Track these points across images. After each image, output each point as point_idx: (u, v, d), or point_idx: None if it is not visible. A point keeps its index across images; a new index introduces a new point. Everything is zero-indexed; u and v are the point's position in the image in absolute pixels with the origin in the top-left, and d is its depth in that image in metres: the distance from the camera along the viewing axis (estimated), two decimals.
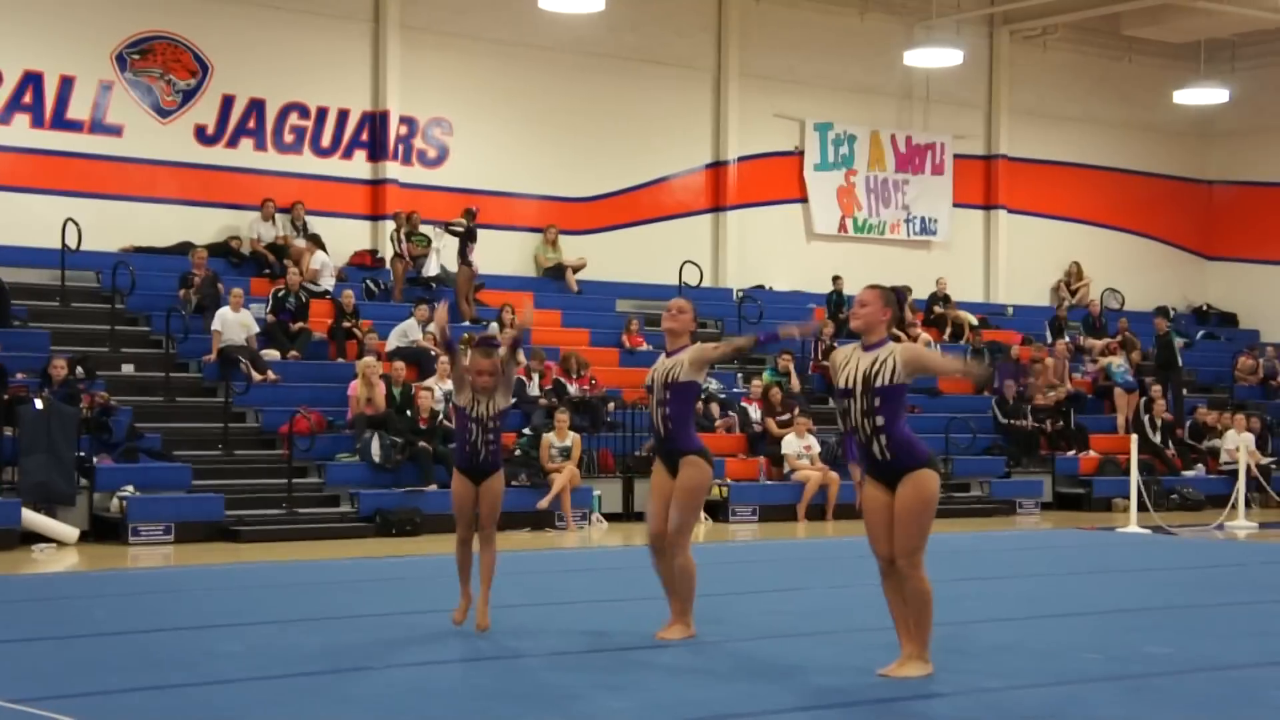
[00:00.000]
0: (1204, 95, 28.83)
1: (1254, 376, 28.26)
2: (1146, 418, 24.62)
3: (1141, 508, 19.77)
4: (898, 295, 8.23)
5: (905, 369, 7.83)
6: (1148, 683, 8.20)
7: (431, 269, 22.79)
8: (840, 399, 8.03)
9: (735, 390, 22.74)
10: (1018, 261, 29.53)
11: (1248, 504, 21.24)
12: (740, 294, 25.36)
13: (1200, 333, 30.75)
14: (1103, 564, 15.14)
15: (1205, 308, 31.56)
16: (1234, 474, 21.60)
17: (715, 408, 21.63)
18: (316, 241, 22.07)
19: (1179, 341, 26.46)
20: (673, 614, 9.28)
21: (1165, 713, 7.33)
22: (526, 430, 19.72)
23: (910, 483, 7.81)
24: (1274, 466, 24.45)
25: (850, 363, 7.92)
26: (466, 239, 22.20)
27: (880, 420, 7.78)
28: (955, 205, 28.95)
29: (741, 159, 26.58)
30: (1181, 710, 7.41)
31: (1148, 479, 21.36)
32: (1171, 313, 30.56)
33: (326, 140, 23.06)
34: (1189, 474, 24.39)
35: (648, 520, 9.34)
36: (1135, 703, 7.61)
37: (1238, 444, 22.75)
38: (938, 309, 27.28)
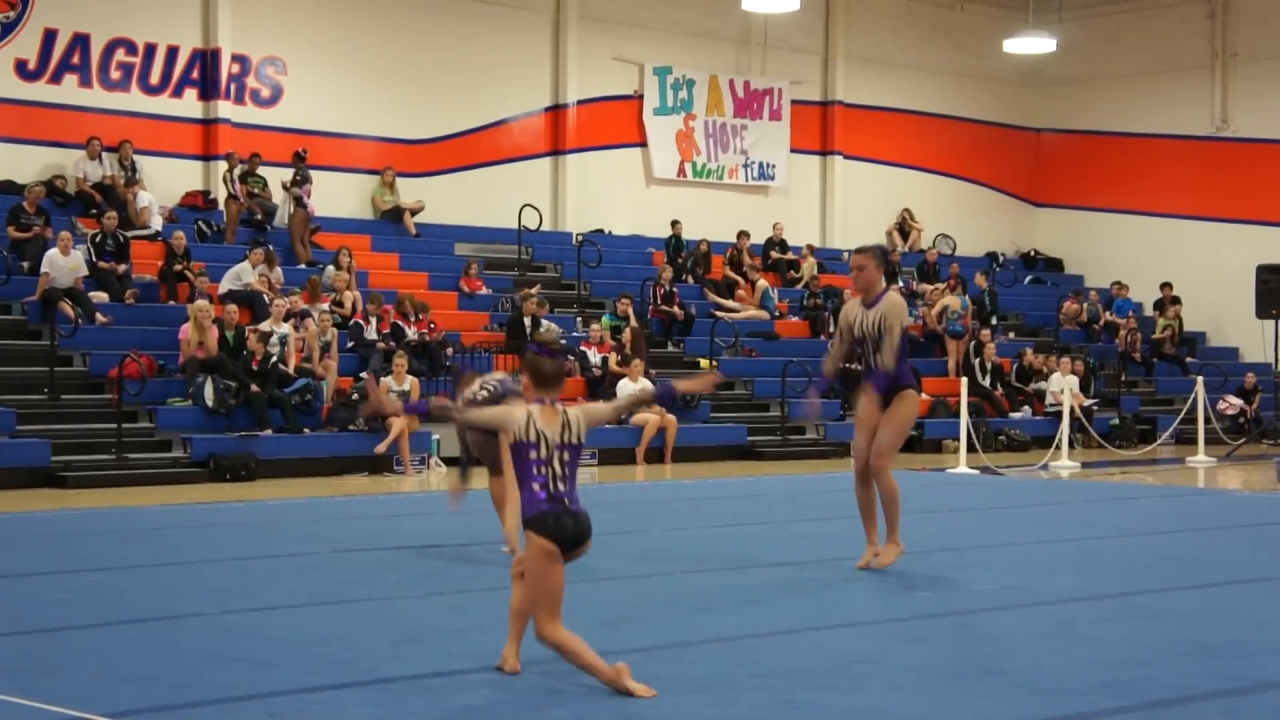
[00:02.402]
0: (1032, 44, 29.35)
1: (1078, 321, 28.98)
2: (976, 361, 25.13)
3: (970, 449, 20.17)
4: (883, 252, 10.24)
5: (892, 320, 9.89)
6: (973, 619, 8.40)
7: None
8: (856, 345, 10.07)
9: (574, 335, 22.76)
10: (853, 207, 29.89)
11: (1071, 444, 21.79)
12: (580, 238, 25.36)
13: (1028, 278, 31.44)
14: (933, 504, 15.42)
15: (1033, 253, 32.26)
16: (1058, 415, 22.12)
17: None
18: (137, 182, 21.63)
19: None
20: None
21: (988, 647, 7.51)
22: (363, 374, 19.59)
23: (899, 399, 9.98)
24: (1096, 408, 25.11)
25: (857, 318, 9.98)
26: (301, 181, 21.95)
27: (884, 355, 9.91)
28: (792, 151, 29.20)
29: (581, 102, 26.52)
30: (1004, 644, 7.60)
31: (976, 421, 21.79)
32: (1001, 258, 31.21)
33: (155, 78, 22.54)
34: (1016, 416, 24.98)
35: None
36: (962, 637, 7.80)
37: (1062, 386, 23.33)
38: (774, 254, 27.52)
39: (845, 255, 29.06)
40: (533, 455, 6.61)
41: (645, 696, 6.36)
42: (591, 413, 6.88)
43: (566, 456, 6.68)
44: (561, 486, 6.62)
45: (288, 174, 22.53)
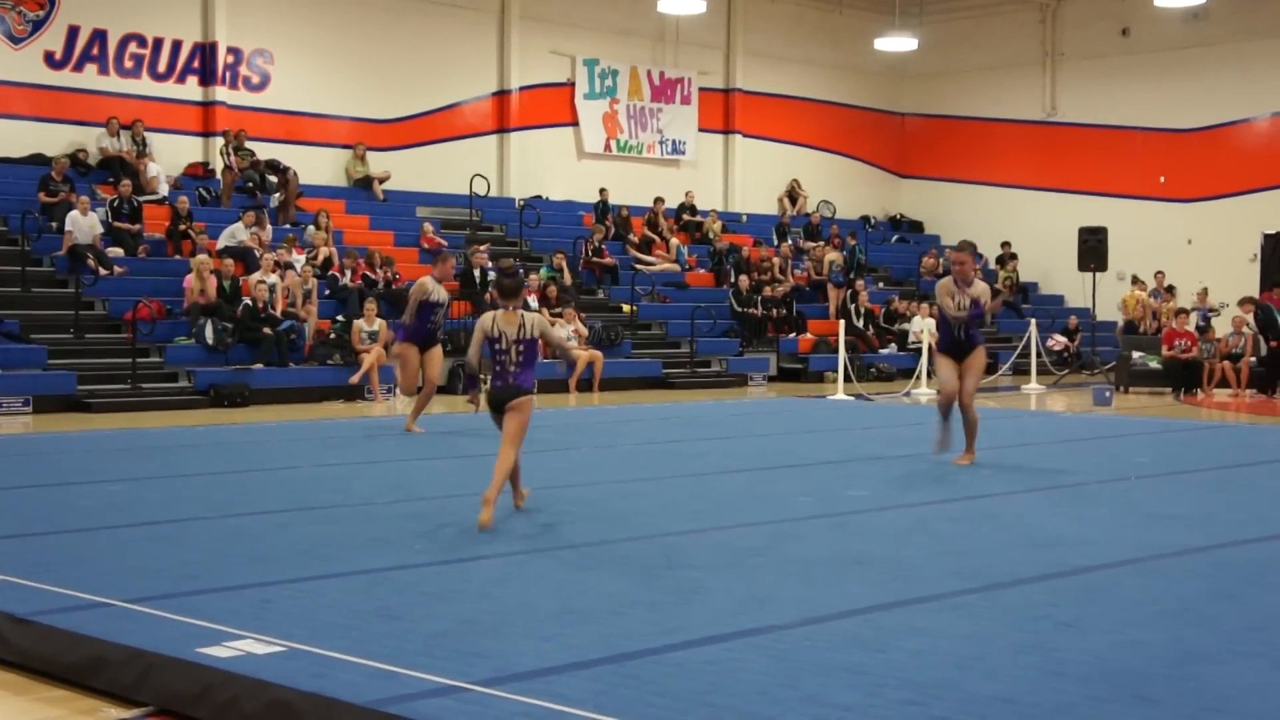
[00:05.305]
0: (898, 43, 29.36)
1: (935, 273, 29.17)
2: (852, 306, 25.28)
3: (847, 379, 20.34)
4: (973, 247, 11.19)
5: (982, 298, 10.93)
6: (848, 519, 8.49)
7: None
8: (954, 314, 10.90)
9: None
10: (750, 177, 29.89)
11: (929, 375, 22.03)
12: (521, 203, 25.21)
13: (894, 237, 31.59)
14: (815, 425, 15.57)
15: (899, 217, 32.40)
16: (919, 351, 22.34)
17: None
18: (147, 155, 21.40)
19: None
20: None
21: (860, 541, 7.60)
22: (340, 317, 19.45)
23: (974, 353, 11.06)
24: None
25: (955, 295, 10.87)
26: (285, 170, 22.11)
27: (968, 326, 11.00)
28: (700, 130, 29.12)
29: (522, 88, 26.31)
30: (872, 538, 7.69)
31: (852, 356, 21.96)
32: (872, 220, 31.34)
33: (162, 66, 22.15)
34: (884, 351, 25.17)
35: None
36: (839, 534, 7.88)
37: (922, 327, 23.53)
38: (685, 216, 27.50)
39: (744, 218, 29.17)
40: (496, 346, 7.98)
41: (481, 523, 7.60)
42: (545, 326, 8.19)
43: (522, 348, 7.99)
44: (513, 369, 7.94)
45: (276, 148, 22.51)
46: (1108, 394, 19.44)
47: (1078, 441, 13.85)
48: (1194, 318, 23.84)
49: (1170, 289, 25.85)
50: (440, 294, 13.15)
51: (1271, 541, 7.90)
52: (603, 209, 26.00)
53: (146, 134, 21.49)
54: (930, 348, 21.97)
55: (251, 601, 5.94)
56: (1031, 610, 5.93)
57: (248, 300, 18.32)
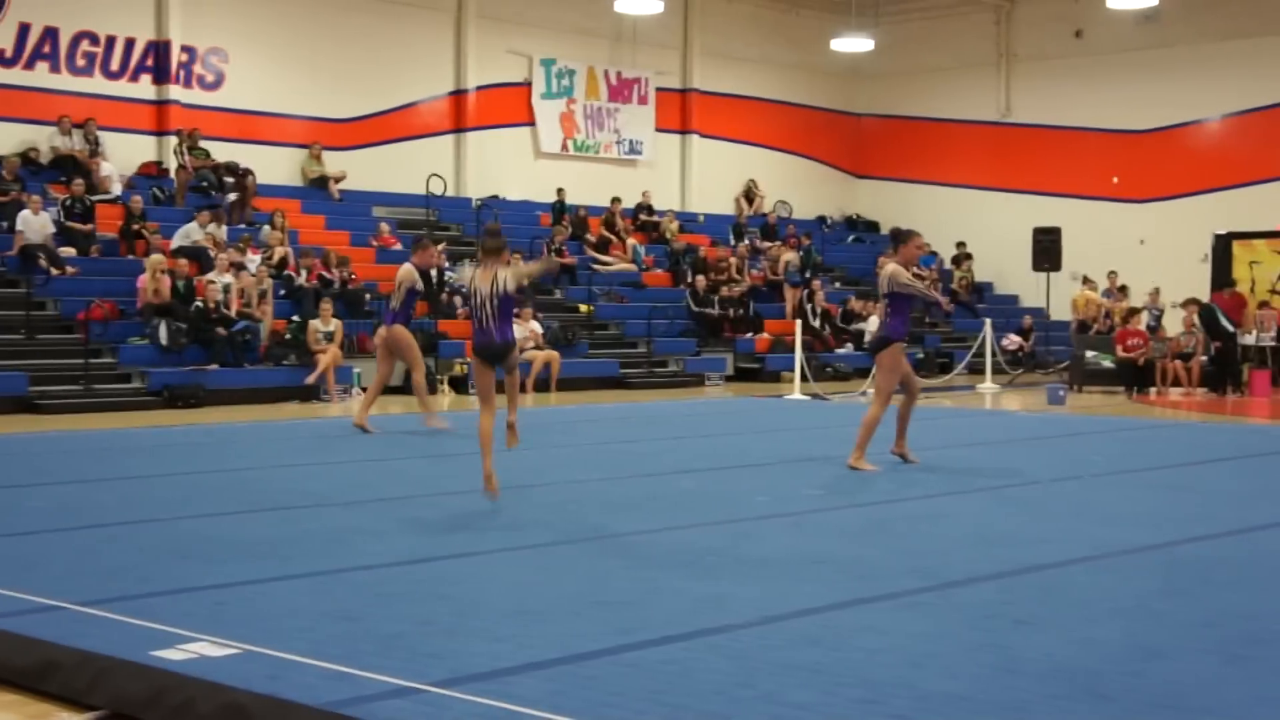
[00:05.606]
0: (854, 44, 29.44)
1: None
2: (809, 306, 25.34)
3: (803, 379, 20.38)
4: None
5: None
6: (805, 518, 8.51)
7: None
8: (925, 292, 11.03)
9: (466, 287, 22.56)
10: (707, 177, 29.91)
11: None
12: (478, 202, 25.14)
13: (851, 237, 31.70)
14: (772, 424, 15.59)
15: (855, 217, 32.51)
16: None
17: (459, 299, 21.48)
18: (100, 154, 21.21)
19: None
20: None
21: (816, 540, 7.62)
22: (295, 317, 19.32)
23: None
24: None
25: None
26: (245, 174, 21.94)
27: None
28: (657, 130, 29.13)
29: (479, 88, 26.24)
30: (829, 537, 7.71)
31: (808, 356, 22.01)
32: (829, 220, 31.44)
33: (115, 65, 21.94)
34: (840, 351, 25.25)
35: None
36: (796, 534, 7.89)
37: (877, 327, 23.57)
38: (643, 216, 27.49)
39: (701, 218, 29.19)
40: (473, 301, 8.53)
41: (491, 495, 8.47)
42: (513, 271, 8.77)
43: (496, 303, 8.52)
44: (492, 323, 8.53)
45: (231, 147, 22.37)
46: (1062, 393, 19.57)
47: (1032, 440, 13.94)
48: (1145, 317, 24.04)
49: (1123, 289, 26.06)
50: (419, 282, 14.03)
51: (1222, 539, 7.98)
52: (560, 209, 25.96)
53: (99, 133, 21.28)
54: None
55: (205, 604, 5.88)
56: (986, 608, 5.96)
57: (201, 301, 18.20)
